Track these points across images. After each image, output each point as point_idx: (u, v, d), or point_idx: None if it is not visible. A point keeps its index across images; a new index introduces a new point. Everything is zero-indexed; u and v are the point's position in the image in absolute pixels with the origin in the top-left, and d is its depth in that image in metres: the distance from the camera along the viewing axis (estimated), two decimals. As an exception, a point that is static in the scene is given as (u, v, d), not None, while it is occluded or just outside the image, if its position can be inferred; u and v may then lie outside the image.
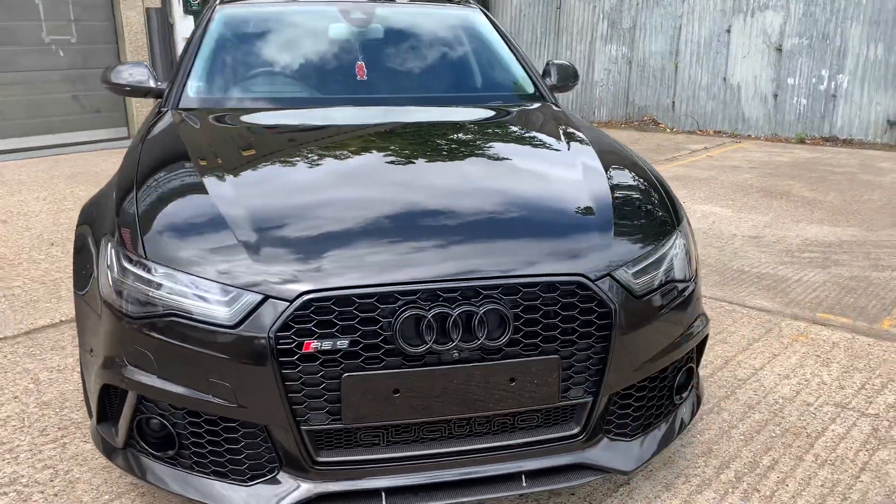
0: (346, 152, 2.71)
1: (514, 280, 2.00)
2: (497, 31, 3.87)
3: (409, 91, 3.48)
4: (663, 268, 2.25)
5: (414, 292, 1.94)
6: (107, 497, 2.36)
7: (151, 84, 3.37)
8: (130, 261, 2.06)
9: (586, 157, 2.68)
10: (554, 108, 3.42)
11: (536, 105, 3.45)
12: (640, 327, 2.14)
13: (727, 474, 2.51)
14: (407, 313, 1.90)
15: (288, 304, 1.90)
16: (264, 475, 2.01)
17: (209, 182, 2.31)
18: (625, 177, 2.61)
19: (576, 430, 2.14)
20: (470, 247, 2.09)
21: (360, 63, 3.56)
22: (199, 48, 3.42)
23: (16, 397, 2.98)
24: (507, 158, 2.72)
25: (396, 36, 3.71)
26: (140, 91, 3.39)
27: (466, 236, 2.13)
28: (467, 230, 2.16)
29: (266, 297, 1.91)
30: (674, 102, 10.81)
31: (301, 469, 1.99)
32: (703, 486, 2.44)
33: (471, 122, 3.15)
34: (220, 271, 1.97)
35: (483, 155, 2.71)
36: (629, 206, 2.42)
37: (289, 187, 2.38)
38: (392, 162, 2.61)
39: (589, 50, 11.51)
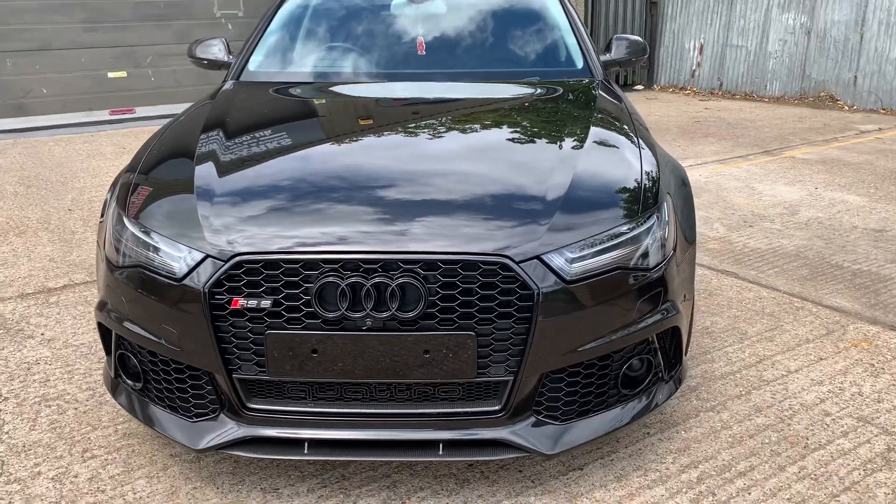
0: (344, 128, 2.90)
1: (434, 256, 2.07)
2: (559, 3, 3.82)
3: (457, 66, 3.56)
4: (614, 254, 2.20)
5: (336, 261, 2.07)
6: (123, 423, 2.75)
7: (224, 58, 3.72)
8: (120, 218, 2.38)
9: (575, 137, 2.64)
10: (593, 85, 3.34)
11: (578, 81, 3.39)
12: (569, 312, 2.12)
13: (690, 474, 2.41)
14: (323, 280, 2.04)
15: (223, 263, 2.11)
16: (207, 414, 2.25)
17: (201, 152, 2.59)
18: (606, 156, 2.55)
19: (497, 408, 2.18)
20: (404, 224, 2.17)
21: (420, 39, 3.68)
22: (267, 25, 3.72)
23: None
24: (493, 139, 2.75)
25: (456, 11, 3.78)
26: (216, 64, 3.75)
27: (404, 214, 2.22)
28: (408, 208, 2.25)
29: (206, 256, 2.14)
30: (856, 77, 9.77)
31: (236, 413, 2.21)
32: (656, 483, 2.37)
33: (488, 101, 3.20)
34: (179, 233, 2.22)
35: (471, 135, 2.77)
36: (591, 189, 2.37)
37: (266, 161, 2.60)
38: (379, 138, 2.76)
39: (764, 19, 10.66)
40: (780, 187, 5.95)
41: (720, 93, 11.28)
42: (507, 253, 2.08)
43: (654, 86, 12.18)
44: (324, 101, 3.30)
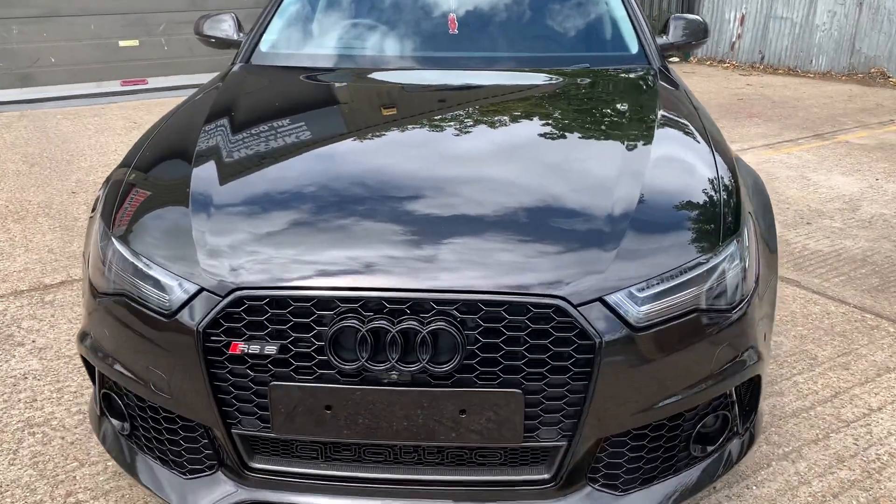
0: (366, 125, 2.52)
1: (474, 296, 1.71)
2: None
3: (495, 48, 3.14)
4: (690, 292, 1.82)
5: (355, 300, 1.72)
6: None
7: (234, 36, 3.33)
8: (105, 233, 2.03)
9: (638, 141, 2.24)
10: (652, 74, 2.92)
11: (632, 69, 2.97)
12: (636, 366, 1.75)
13: (768, 546, 2.05)
14: (340, 325, 1.69)
15: (220, 299, 1.76)
16: (203, 471, 1.92)
17: (200, 150, 2.24)
18: (676, 167, 2.16)
19: (546, 476, 1.82)
20: (437, 253, 1.80)
21: (452, 15, 3.27)
22: (280, 0, 3.31)
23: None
24: (540, 141, 2.35)
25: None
26: (225, 43, 3.36)
27: (434, 240, 1.84)
28: (443, 233, 1.87)
29: (201, 289, 1.79)
30: (910, 53, 9.18)
31: (236, 473, 1.88)
32: (728, 557, 2.01)
33: (531, 91, 2.78)
34: (169, 256, 1.87)
35: (513, 135, 2.37)
36: (662, 209, 1.99)
37: (275, 163, 2.23)
38: (407, 139, 2.37)
39: (812, -12, 10.04)
40: (836, 177, 5.49)
41: (761, 67, 10.70)
42: (562, 293, 1.71)
43: (691, 58, 11.59)
44: (344, 90, 2.90)
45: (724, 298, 1.87)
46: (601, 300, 1.73)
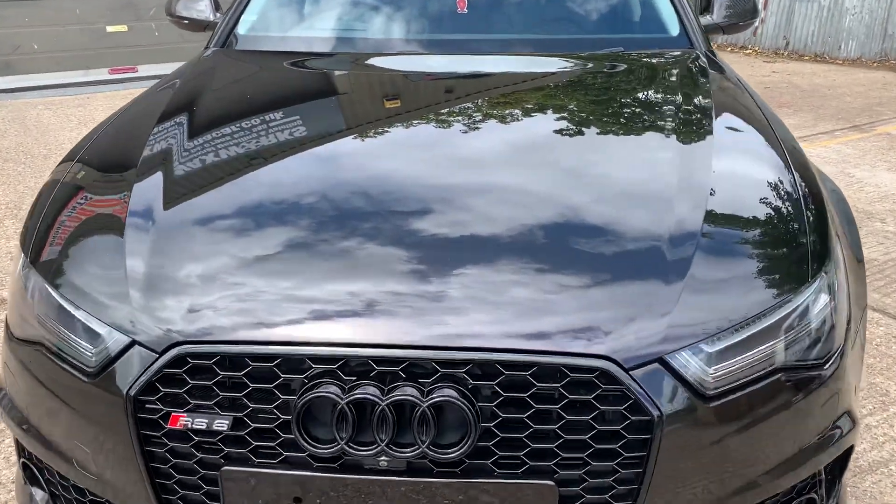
0: (346, 127, 2.08)
1: (490, 356, 1.28)
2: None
3: (510, 30, 2.69)
4: (772, 344, 1.39)
5: (333, 359, 1.30)
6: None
7: (210, 17, 2.89)
8: (25, 261, 1.61)
9: (694, 149, 1.79)
10: (698, 60, 2.47)
11: (675, 55, 2.53)
12: (707, 447, 1.33)
13: None
14: (313, 393, 1.26)
15: (156, 356, 1.34)
16: (145, 573, 1.50)
17: (146, 158, 1.81)
18: (745, 183, 1.71)
19: (584, 588, 1.39)
20: (438, 296, 1.37)
21: (461, -8, 2.81)
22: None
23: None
24: (567, 151, 1.87)
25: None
26: (200, 25, 2.92)
27: (438, 279, 1.41)
28: (442, 269, 1.43)
29: (133, 343, 1.37)
30: (948, 38, 8.66)
31: (185, 577, 1.46)
32: None
33: (553, 85, 2.31)
34: (96, 299, 1.44)
35: (532, 144, 1.90)
36: (731, 239, 1.55)
37: (238, 176, 1.78)
38: (408, 145, 1.94)
39: (842, -30, 9.50)
40: (882, 174, 5.01)
41: (786, 53, 10.17)
42: (609, 351, 1.29)
43: (711, 44, 11.06)
44: (331, 81, 2.45)
45: (814, 350, 1.44)
46: (661, 360, 1.30)
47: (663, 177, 1.67)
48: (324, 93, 2.37)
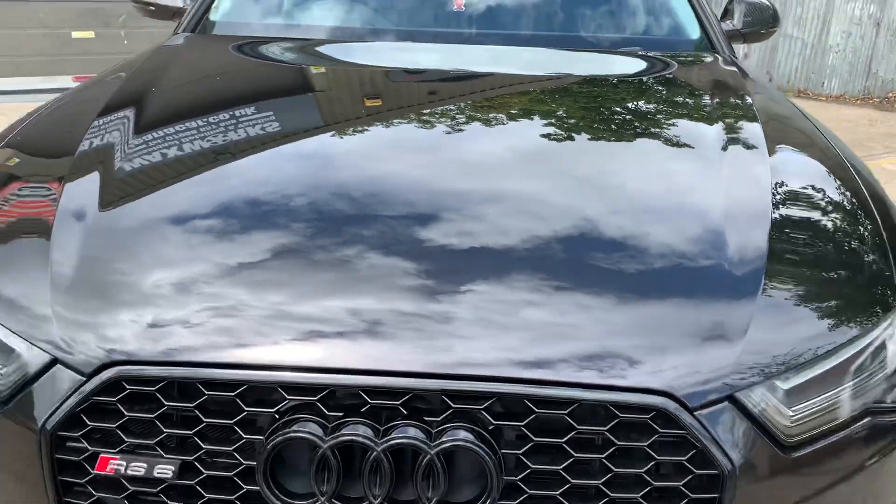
0: (326, 121, 1.83)
1: (518, 389, 1.00)
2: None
3: (513, 27, 2.44)
4: (860, 381, 1.13)
5: (313, 388, 1.01)
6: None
7: (180, 3, 2.61)
8: None
9: (744, 162, 1.54)
10: (725, 66, 2.24)
11: (700, 59, 2.31)
12: None
13: None
14: (285, 433, 0.97)
15: (83, 379, 1.04)
16: None
17: (82, 154, 1.54)
18: (809, 198, 1.47)
19: None
20: (447, 313, 1.09)
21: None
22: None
23: None
24: (589, 165, 1.61)
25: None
26: (168, 11, 2.64)
27: (448, 292, 1.13)
28: (452, 280, 1.15)
29: (54, 362, 1.06)
30: (932, 77, 8.67)
31: None
32: None
33: (572, 89, 2.07)
34: (11, 309, 1.15)
35: (552, 155, 1.63)
36: (805, 259, 1.29)
37: (181, 188, 1.47)
38: (395, 144, 1.67)
39: (825, 7, 9.51)
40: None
41: (768, 88, 10.15)
42: (668, 386, 1.02)
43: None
44: (308, 71, 2.18)
45: (901, 389, 1.18)
46: (731, 398, 1.03)
47: (716, 191, 1.41)
48: (296, 84, 2.09)
